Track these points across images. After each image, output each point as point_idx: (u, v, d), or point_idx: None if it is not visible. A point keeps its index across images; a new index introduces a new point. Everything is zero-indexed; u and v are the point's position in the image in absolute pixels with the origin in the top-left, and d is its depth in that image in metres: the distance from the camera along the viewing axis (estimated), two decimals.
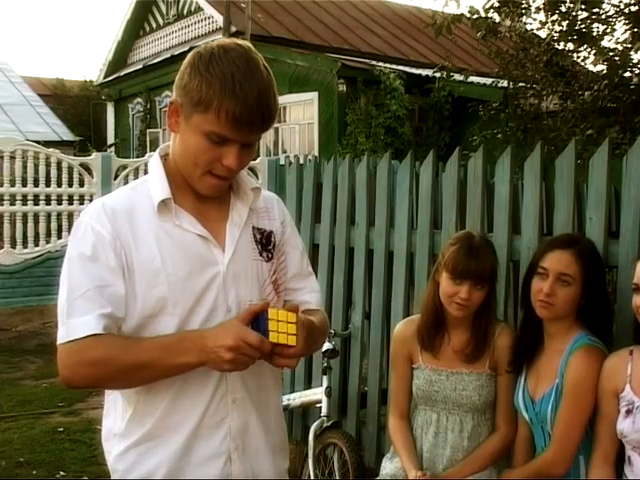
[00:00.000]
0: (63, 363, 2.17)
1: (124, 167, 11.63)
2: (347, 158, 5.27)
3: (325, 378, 4.84)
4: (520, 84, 9.45)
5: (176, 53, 20.45)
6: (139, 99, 23.17)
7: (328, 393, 4.81)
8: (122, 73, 23.94)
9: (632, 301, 2.94)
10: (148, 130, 22.50)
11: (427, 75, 14.59)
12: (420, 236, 4.55)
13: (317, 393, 4.86)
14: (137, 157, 15.33)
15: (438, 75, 12.28)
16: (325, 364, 4.86)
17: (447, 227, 4.32)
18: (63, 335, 2.16)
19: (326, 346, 4.75)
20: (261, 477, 2.37)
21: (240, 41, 2.28)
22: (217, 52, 2.18)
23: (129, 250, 2.19)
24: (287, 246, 2.51)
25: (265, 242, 2.41)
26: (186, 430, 2.26)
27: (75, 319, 2.14)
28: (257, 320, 2.16)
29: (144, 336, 2.20)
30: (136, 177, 11.66)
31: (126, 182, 11.54)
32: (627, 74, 8.51)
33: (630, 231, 3.56)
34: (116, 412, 2.34)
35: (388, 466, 3.69)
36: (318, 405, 4.83)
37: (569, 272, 3.20)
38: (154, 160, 2.36)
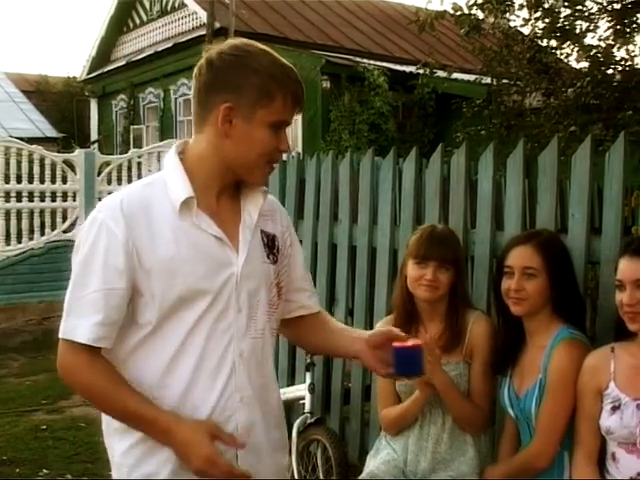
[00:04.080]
0: (60, 362, 2.27)
1: (107, 164, 11.60)
2: (330, 154, 5.27)
3: (308, 374, 4.84)
4: (503, 81, 9.43)
5: (160, 49, 20.38)
6: (123, 96, 23.06)
7: (311, 389, 4.81)
8: (106, 69, 23.79)
9: (616, 297, 2.95)
10: (132, 127, 22.40)
11: (411, 72, 14.57)
12: (403, 232, 4.55)
13: (300, 389, 4.86)
14: (120, 154, 15.23)
15: (421, 72, 12.26)
16: (308, 360, 4.86)
17: (430, 221, 4.32)
18: (61, 331, 2.25)
19: None
20: (263, 473, 2.40)
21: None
22: (243, 48, 2.30)
23: (144, 249, 2.22)
24: (292, 249, 2.58)
25: (271, 245, 2.46)
26: None
27: (74, 319, 2.23)
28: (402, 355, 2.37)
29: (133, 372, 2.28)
30: (119, 174, 11.64)
31: (109, 179, 11.52)
32: (610, 71, 8.53)
33: (612, 227, 3.58)
34: None
35: (372, 463, 3.71)
36: (301, 401, 4.83)
37: (532, 264, 3.28)
38: (172, 158, 2.37)
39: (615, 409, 2.93)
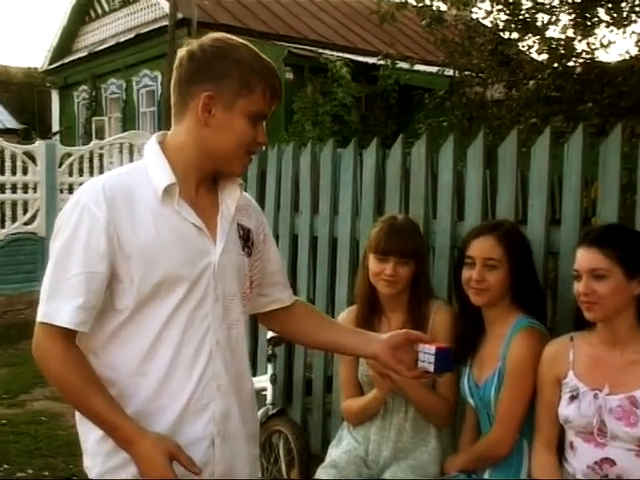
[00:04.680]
0: (35, 347, 2.25)
1: (69, 155, 11.50)
2: (291, 145, 5.26)
3: (270, 366, 4.83)
4: (466, 72, 9.47)
5: (122, 40, 20.22)
6: (84, 87, 22.88)
7: (273, 380, 4.80)
8: (67, 60, 23.56)
9: (574, 287, 2.97)
10: (93, 118, 22.22)
11: (374, 63, 14.57)
12: (364, 222, 4.56)
13: (262, 381, 4.84)
14: (82, 145, 15.12)
15: (382, 63, 12.27)
16: (270, 352, 4.85)
17: (391, 212, 4.32)
18: (40, 314, 2.24)
19: (270, 334, 4.74)
20: (239, 462, 2.45)
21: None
22: (224, 40, 2.36)
23: (124, 234, 2.24)
24: (266, 244, 2.63)
25: (246, 238, 2.50)
26: (172, 414, 2.31)
27: (55, 303, 2.22)
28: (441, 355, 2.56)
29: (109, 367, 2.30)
30: (81, 165, 11.55)
31: (71, 170, 11.43)
32: (571, 64, 8.59)
33: (571, 217, 3.62)
34: None
35: (333, 453, 3.72)
36: (263, 393, 4.81)
37: (494, 256, 3.30)
38: (153, 146, 2.40)
39: (573, 398, 2.97)
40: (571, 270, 3.05)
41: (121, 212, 2.24)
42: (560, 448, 3.10)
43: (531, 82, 8.63)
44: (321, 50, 16.57)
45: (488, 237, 3.34)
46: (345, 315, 3.81)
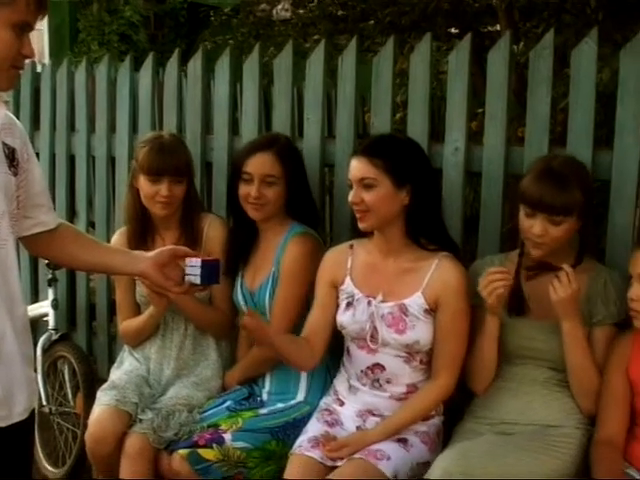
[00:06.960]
0: None
1: None
2: (65, 62, 5.05)
3: (51, 290, 4.68)
4: None
5: None
6: None
7: (55, 305, 4.66)
8: None
9: (348, 197, 3.01)
10: None
11: None
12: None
13: (44, 306, 4.71)
14: None
15: None
16: (50, 276, 4.71)
17: (169, 129, 4.25)
18: None
19: None
20: (17, 384, 2.35)
21: None
22: None
23: None
24: (29, 164, 2.50)
25: (11, 157, 2.38)
26: None
27: None
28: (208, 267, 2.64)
29: None
30: None
31: None
32: None
33: (345, 129, 3.69)
34: None
35: (114, 374, 3.71)
36: (45, 318, 4.69)
37: (272, 173, 3.33)
38: None
39: (349, 305, 3.06)
40: (346, 181, 3.09)
41: None
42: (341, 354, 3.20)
43: (316, 0, 8.63)
44: None
45: (265, 154, 3.34)
46: (117, 237, 3.75)
